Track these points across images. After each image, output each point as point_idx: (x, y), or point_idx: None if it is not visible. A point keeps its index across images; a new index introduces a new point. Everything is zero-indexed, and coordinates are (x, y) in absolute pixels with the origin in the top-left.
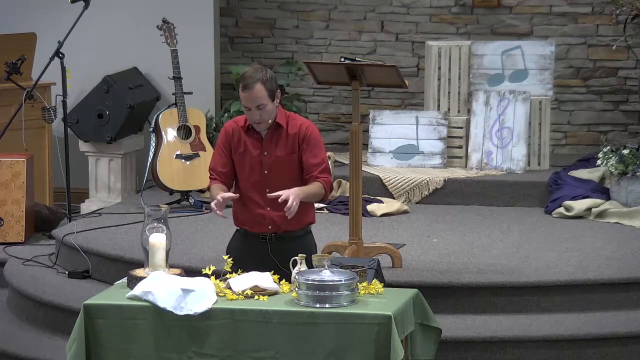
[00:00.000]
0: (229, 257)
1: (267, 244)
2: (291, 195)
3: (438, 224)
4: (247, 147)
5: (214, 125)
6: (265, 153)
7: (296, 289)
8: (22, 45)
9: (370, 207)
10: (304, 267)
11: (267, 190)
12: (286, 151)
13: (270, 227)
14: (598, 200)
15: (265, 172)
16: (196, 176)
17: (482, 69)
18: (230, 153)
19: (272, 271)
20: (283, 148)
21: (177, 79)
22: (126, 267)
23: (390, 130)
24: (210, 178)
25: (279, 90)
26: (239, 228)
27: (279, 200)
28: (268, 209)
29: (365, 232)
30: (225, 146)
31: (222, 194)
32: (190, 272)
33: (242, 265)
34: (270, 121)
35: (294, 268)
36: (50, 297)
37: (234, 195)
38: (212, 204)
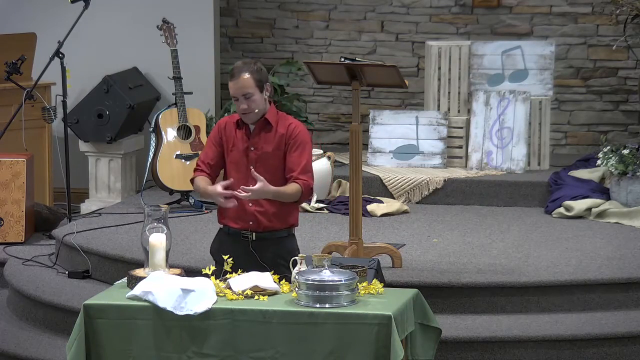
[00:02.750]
0: (228, 257)
1: (248, 242)
2: (254, 191)
3: (438, 224)
4: (236, 141)
5: (214, 125)
6: (252, 148)
7: (296, 289)
8: (22, 45)
9: (370, 207)
10: (304, 267)
11: (251, 185)
12: (272, 148)
13: (251, 222)
14: (598, 200)
15: (251, 167)
16: None
17: (482, 69)
18: (220, 147)
19: (272, 271)
20: (270, 145)
21: (177, 79)
22: (126, 267)
23: (390, 130)
24: (196, 169)
25: (269, 84)
26: (222, 226)
27: (251, 188)
28: (250, 204)
29: (365, 232)
30: (215, 140)
31: (220, 189)
32: (190, 272)
33: (223, 264)
34: (257, 111)
35: (294, 268)
36: (50, 297)
37: (228, 182)
38: (221, 201)
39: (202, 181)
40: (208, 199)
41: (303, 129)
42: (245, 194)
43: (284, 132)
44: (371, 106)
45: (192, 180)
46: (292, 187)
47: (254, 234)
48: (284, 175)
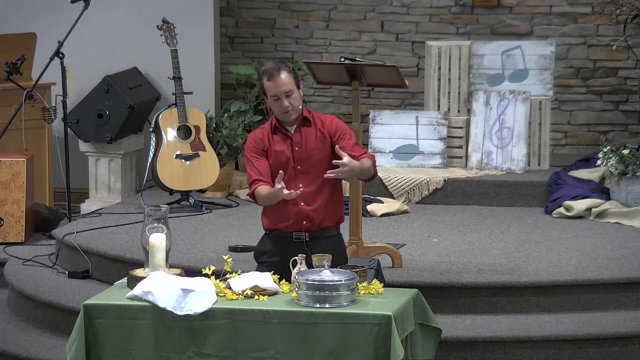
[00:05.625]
0: (228, 258)
1: (302, 244)
2: (346, 165)
3: (438, 224)
4: (277, 146)
5: (214, 125)
6: (297, 148)
7: (296, 289)
8: (22, 45)
9: (370, 207)
10: (304, 267)
11: (300, 185)
12: (317, 144)
13: (305, 222)
14: (598, 200)
15: (298, 167)
16: (196, 176)
17: (482, 69)
18: (264, 156)
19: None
20: (313, 141)
21: (177, 79)
22: (126, 267)
23: (390, 130)
24: (252, 183)
25: (302, 82)
26: (268, 232)
27: (341, 164)
28: (302, 204)
29: (365, 232)
30: (257, 152)
31: (279, 185)
32: (190, 272)
33: (276, 268)
34: (299, 108)
35: (294, 268)
36: (50, 297)
37: (279, 177)
38: (284, 193)
39: (264, 189)
40: (274, 202)
41: (337, 119)
42: (335, 174)
43: (323, 127)
44: (371, 106)
45: (252, 195)
46: (366, 161)
47: (307, 234)
48: (331, 168)
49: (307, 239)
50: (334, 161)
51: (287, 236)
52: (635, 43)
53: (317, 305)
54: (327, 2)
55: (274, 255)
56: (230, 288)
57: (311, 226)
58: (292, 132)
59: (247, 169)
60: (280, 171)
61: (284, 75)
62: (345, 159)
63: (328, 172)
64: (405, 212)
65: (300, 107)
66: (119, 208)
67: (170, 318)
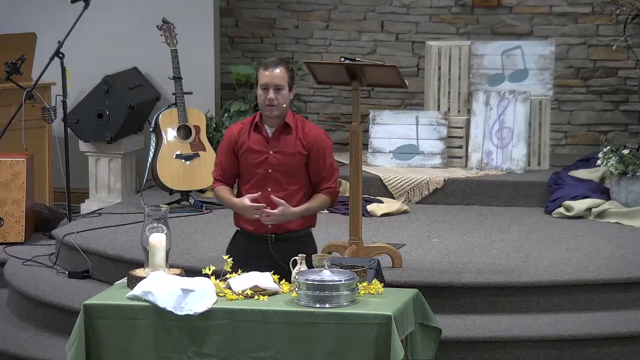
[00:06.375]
0: (228, 257)
1: (268, 244)
2: (281, 214)
3: (438, 224)
4: (253, 145)
5: (214, 125)
6: (271, 151)
7: (296, 289)
8: (22, 45)
9: (370, 207)
10: (304, 267)
11: (269, 189)
12: (292, 151)
13: (270, 226)
14: (598, 200)
15: (269, 170)
16: (196, 176)
17: (482, 69)
18: (234, 154)
19: (272, 271)
20: (290, 148)
21: (177, 79)
22: (126, 267)
23: (390, 130)
24: (215, 180)
25: (295, 87)
26: (239, 229)
27: (273, 212)
28: (268, 208)
29: (365, 232)
30: (229, 148)
31: (249, 202)
32: (190, 272)
33: (243, 266)
34: (284, 106)
35: (294, 268)
36: (50, 297)
37: (256, 196)
38: (252, 214)
39: (225, 191)
40: (233, 209)
41: (321, 134)
42: (267, 217)
43: (303, 137)
44: (371, 106)
45: (213, 190)
46: (319, 200)
47: (273, 236)
48: (300, 177)
49: (274, 241)
50: (265, 210)
51: (253, 236)
52: (635, 43)
53: (317, 305)
54: (327, 2)
55: (242, 251)
56: (230, 288)
57: (276, 229)
58: (270, 135)
59: (215, 159)
60: (259, 193)
61: (279, 70)
62: (278, 209)
63: (263, 212)
64: (405, 212)
65: (285, 106)
66: (119, 208)
67: (170, 318)
